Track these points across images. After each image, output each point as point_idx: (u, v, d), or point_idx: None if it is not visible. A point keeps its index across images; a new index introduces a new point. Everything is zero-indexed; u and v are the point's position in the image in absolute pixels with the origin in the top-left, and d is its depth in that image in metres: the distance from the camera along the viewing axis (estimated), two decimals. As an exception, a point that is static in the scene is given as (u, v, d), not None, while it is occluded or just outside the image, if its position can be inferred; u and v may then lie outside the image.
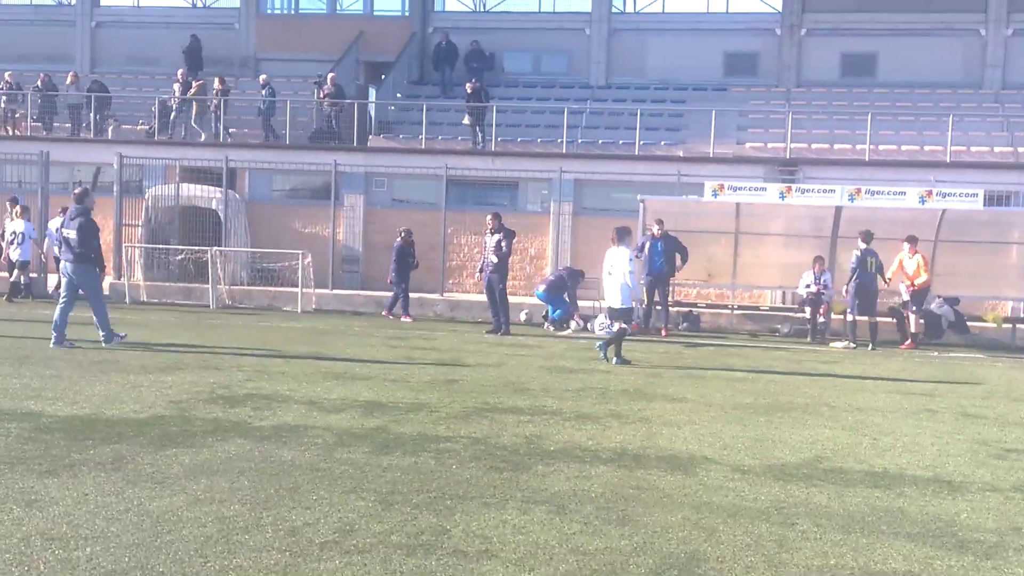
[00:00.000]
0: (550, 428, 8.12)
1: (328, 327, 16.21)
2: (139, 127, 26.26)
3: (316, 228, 23.31)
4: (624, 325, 12.62)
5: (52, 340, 11.88)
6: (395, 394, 9.48)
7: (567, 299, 17.04)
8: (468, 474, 6.47)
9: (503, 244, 16.06)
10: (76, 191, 12.63)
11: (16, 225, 18.78)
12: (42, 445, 6.76)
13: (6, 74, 26.53)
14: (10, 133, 25.71)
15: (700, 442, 7.75)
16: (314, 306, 19.48)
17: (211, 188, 22.92)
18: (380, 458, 6.78)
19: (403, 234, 18.35)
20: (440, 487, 6.11)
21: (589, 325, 16.91)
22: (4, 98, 26.11)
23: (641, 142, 22.53)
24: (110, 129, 26.20)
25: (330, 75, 24.84)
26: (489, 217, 16.59)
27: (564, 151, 22.61)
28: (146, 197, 22.77)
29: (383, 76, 29.60)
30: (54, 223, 18.69)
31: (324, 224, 23.67)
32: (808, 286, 17.22)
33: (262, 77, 25.69)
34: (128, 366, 10.60)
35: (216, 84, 25.00)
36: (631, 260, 12.47)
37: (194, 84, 25.17)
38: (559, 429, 8.10)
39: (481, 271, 16.65)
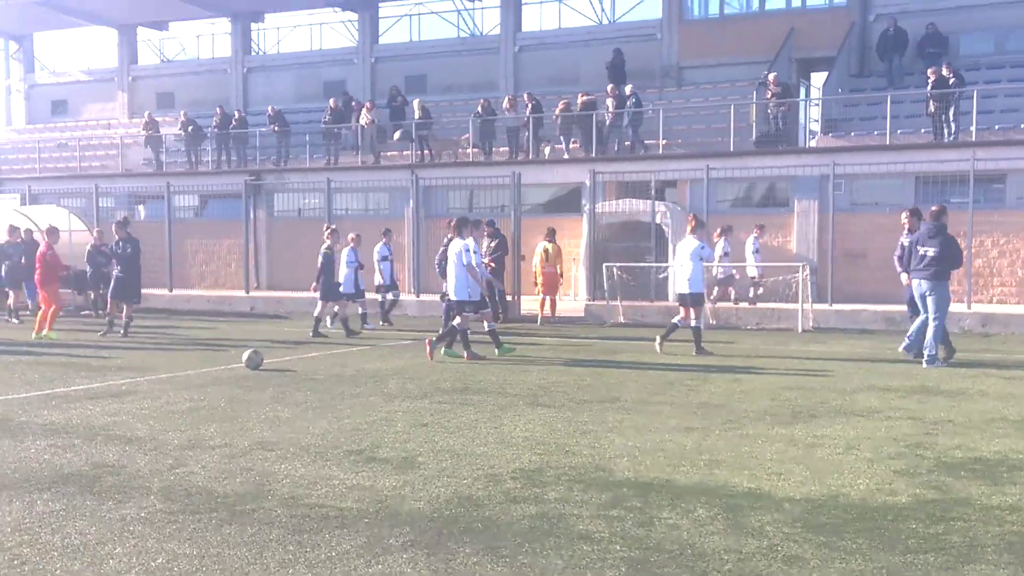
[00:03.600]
0: None
1: (866, 352, 13.89)
2: (573, 144, 26.70)
3: (767, 237, 22.18)
4: None
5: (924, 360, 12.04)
6: None
7: None
8: None
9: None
10: (934, 209, 12.29)
11: None
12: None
13: (415, 102, 28.06)
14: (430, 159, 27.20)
15: None
16: (812, 324, 17.54)
17: (652, 202, 22.65)
18: None
19: None
20: None
21: None
22: (429, 127, 27.72)
23: None
24: (546, 150, 26.88)
25: (772, 75, 23.69)
26: (905, 215, 13.47)
27: (1064, 136, 19.77)
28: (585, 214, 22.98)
29: (811, 73, 28.08)
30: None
31: (775, 232, 22.56)
32: None
33: (627, 87, 25.26)
34: (741, 414, 8.81)
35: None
36: None
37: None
38: None
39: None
